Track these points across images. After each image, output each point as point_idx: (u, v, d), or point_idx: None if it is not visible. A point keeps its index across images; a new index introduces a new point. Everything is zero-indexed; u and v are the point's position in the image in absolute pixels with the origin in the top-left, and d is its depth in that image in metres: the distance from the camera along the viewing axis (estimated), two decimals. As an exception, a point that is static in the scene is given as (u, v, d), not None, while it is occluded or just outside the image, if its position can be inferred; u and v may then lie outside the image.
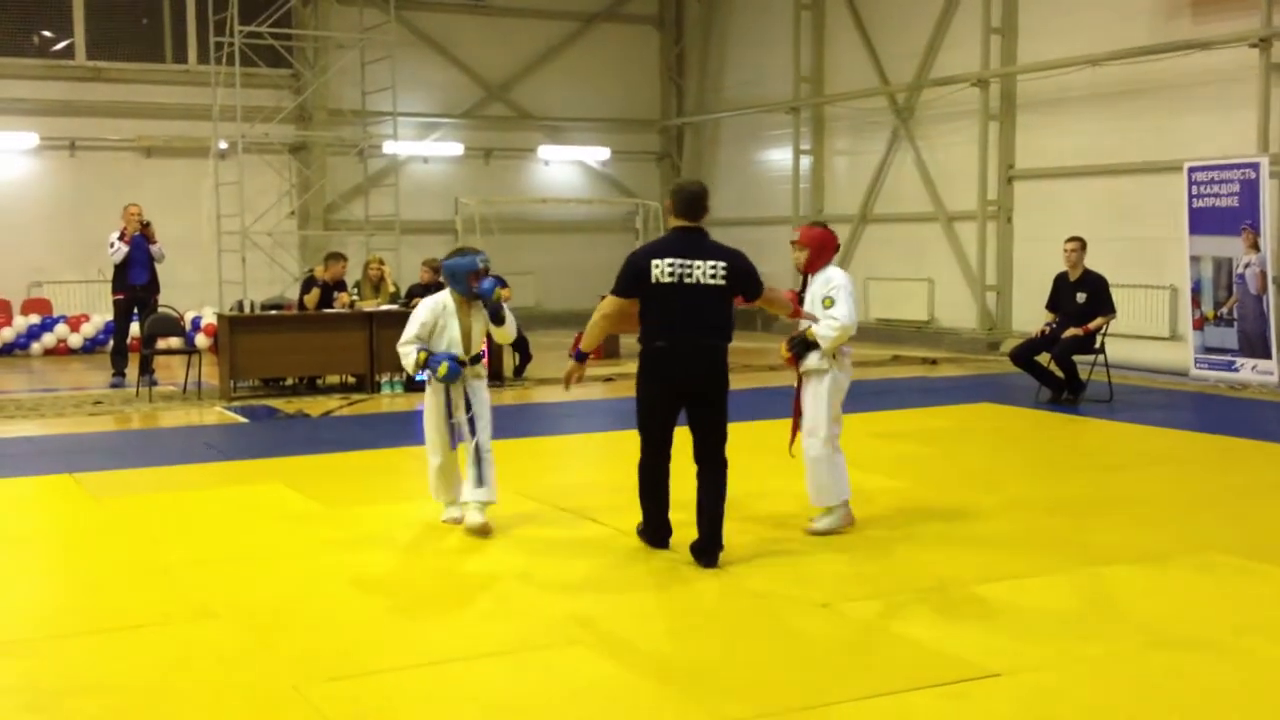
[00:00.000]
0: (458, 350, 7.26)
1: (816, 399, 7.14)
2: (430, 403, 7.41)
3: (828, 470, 7.11)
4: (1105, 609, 5.84)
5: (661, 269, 6.55)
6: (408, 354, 7.25)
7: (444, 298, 7.32)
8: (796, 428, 7.27)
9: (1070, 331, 12.33)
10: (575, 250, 22.22)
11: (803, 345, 7.12)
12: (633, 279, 6.63)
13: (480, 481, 7.18)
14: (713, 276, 6.55)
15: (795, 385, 7.32)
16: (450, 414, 7.31)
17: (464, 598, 6.08)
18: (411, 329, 7.29)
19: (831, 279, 7.18)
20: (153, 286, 14.44)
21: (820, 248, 7.29)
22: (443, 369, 7.15)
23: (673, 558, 6.76)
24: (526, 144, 23.12)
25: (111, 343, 15.12)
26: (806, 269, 7.34)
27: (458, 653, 5.35)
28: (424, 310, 7.30)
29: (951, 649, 5.24)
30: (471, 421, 7.26)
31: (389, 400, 13.45)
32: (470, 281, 7.19)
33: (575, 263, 21.69)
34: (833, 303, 7.04)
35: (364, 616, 5.81)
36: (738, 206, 21.70)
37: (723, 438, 6.74)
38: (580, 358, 6.94)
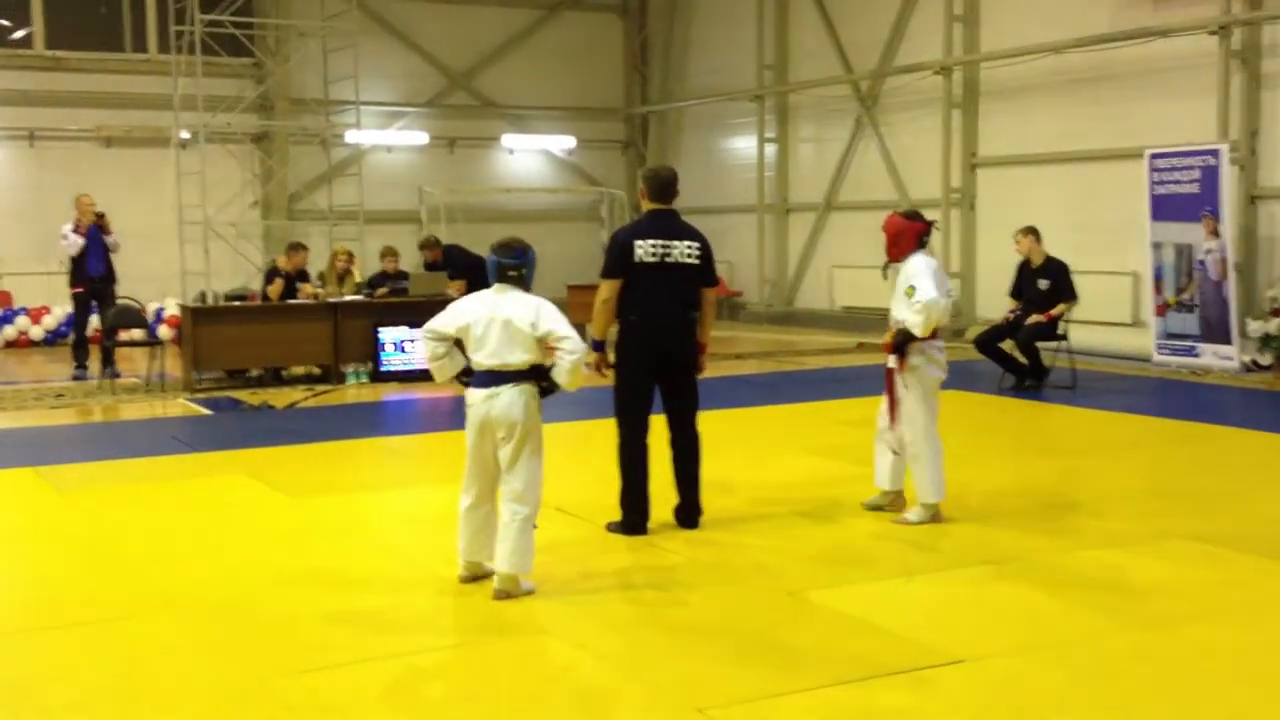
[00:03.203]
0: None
1: (911, 396, 7.11)
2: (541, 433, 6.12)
3: (928, 466, 7.08)
4: (1069, 594, 5.89)
5: (645, 249, 6.89)
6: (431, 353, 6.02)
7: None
8: (894, 419, 7.20)
9: (1033, 318, 12.42)
10: (541, 239, 21.62)
11: (903, 338, 7.06)
12: (620, 260, 6.91)
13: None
14: (689, 256, 6.95)
15: (886, 379, 7.25)
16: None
17: (432, 588, 6.06)
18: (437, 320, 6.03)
19: (910, 268, 7.12)
20: (110, 277, 14.32)
21: (896, 235, 7.23)
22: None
23: (641, 548, 6.78)
24: (491, 133, 23.04)
25: (72, 335, 15.00)
26: (888, 257, 7.30)
27: (426, 644, 5.35)
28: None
29: (916, 636, 5.28)
30: None
31: (354, 391, 13.40)
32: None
33: (541, 252, 21.09)
34: (914, 291, 7.00)
35: (330, 608, 5.79)
36: (703, 195, 21.69)
37: (695, 407, 7.12)
38: (598, 347, 7.04)
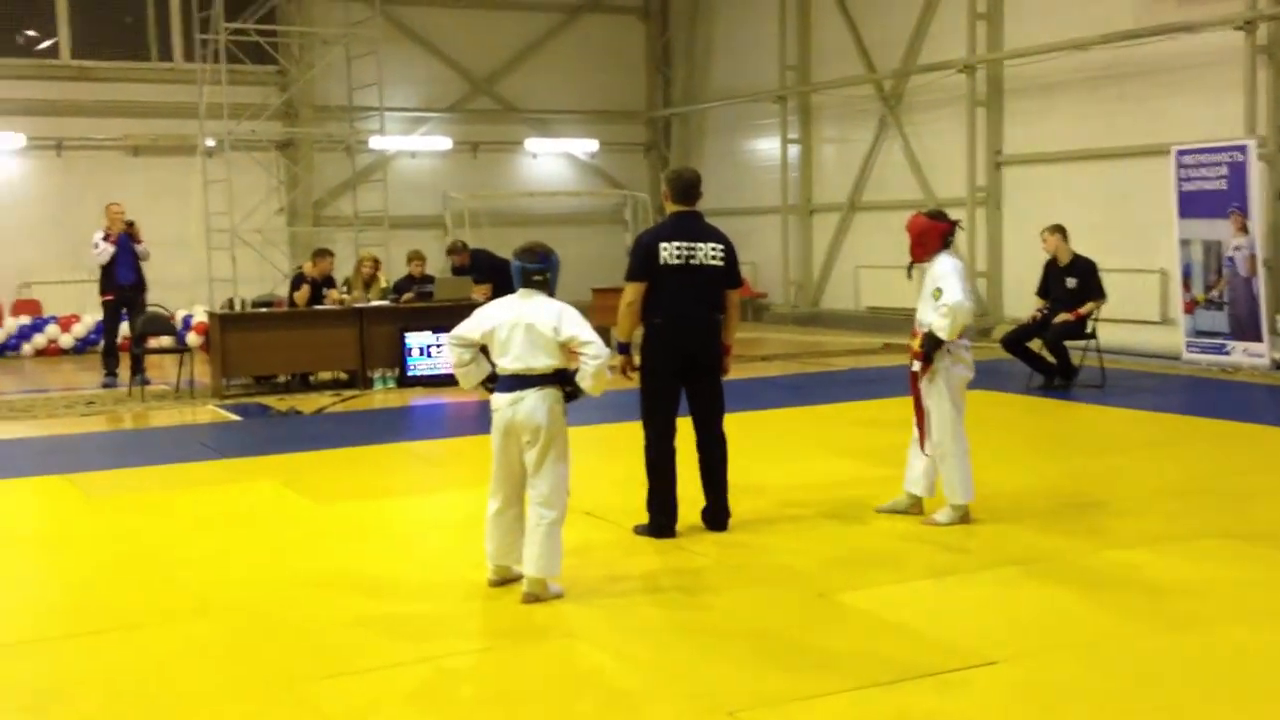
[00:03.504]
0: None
1: (938, 397, 7.09)
2: (567, 438, 6.08)
3: (957, 466, 7.05)
4: (1100, 595, 5.85)
5: (670, 251, 6.89)
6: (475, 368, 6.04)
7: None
8: (921, 425, 7.19)
9: (1061, 317, 12.36)
10: (564, 243, 21.68)
11: (931, 343, 7.03)
12: (645, 262, 6.92)
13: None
14: (714, 257, 6.96)
15: (911, 383, 7.23)
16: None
17: (461, 592, 6.07)
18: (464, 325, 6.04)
19: (937, 269, 7.09)
20: (140, 285, 14.42)
21: (920, 235, 7.19)
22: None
23: (669, 550, 6.77)
24: (513, 137, 23.08)
25: (102, 343, 15.08)
26: (913, 258, 7.28)
27: (454, 647, 5.36)
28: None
29: (946, 637, 5.25)
30: None
31: (381, 396, 13.44)
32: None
33: (565, 255, 21.14)
34: (941, 293, 6.98)
35: (358, 613, 5.80)
36: (726, 196, 21.67)
37: (721, 409, 7.12)
38: (623, 349, 7.10)
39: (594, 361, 5.79)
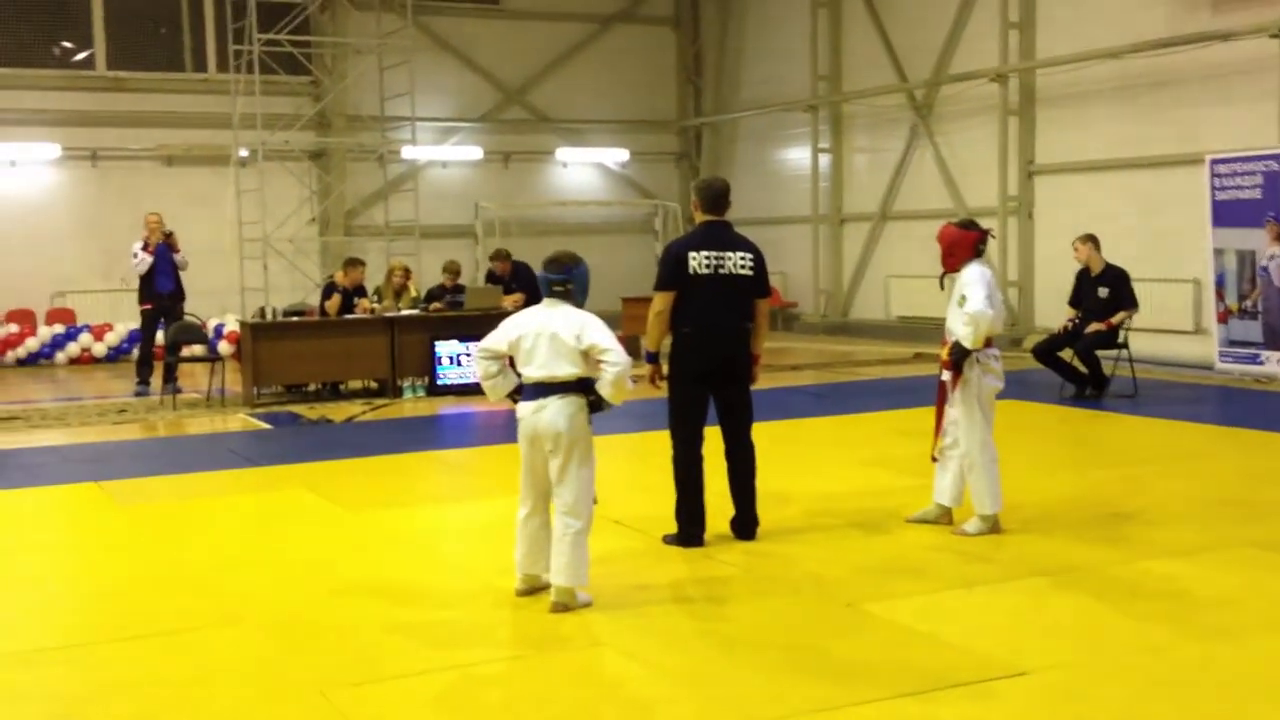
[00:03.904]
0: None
1: (966, 406, 7.07)
2: (592, 445, 6.04)
3: (985, 477, 7.03)
4: (1131, 605, 5.80)
5: (699, 261, 6.89)
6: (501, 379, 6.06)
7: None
8: (939, 432, 7.17)
9: (1093, 326, 12.29)
10: (595, 252, 21.81)
11: (959, 352, 7.03)
12: (674, 271, 6.92)
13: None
14: (743, 267, 6.95)
15: (938, 392, 7.22)
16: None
17: (489, 601, 6.08)
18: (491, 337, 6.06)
19: (963, 277, 7.08)
20: (179, 295, 14.52)
21: (950, 245, 7.18)
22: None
23: (697, 560, 6.76)
24: (545, 147, 23.15)
25: (137, 351, 15.17)
26: (944, 268, 7.27)
27: (482, 655, 5.36)
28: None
29: (976, 647, 5.22)
30: None
31: (411, 405, 13.48)
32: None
33: (596, 265, 21.20)
34: (965, 301, 6.97)
35: (389, 620, 5.82)
36: (757, 206, 21.67)
37: (750, 418, 7.09)
38: (652, 359, 7.11)
39: (613, 369, 5.78)
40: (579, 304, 6.00)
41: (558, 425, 5.80)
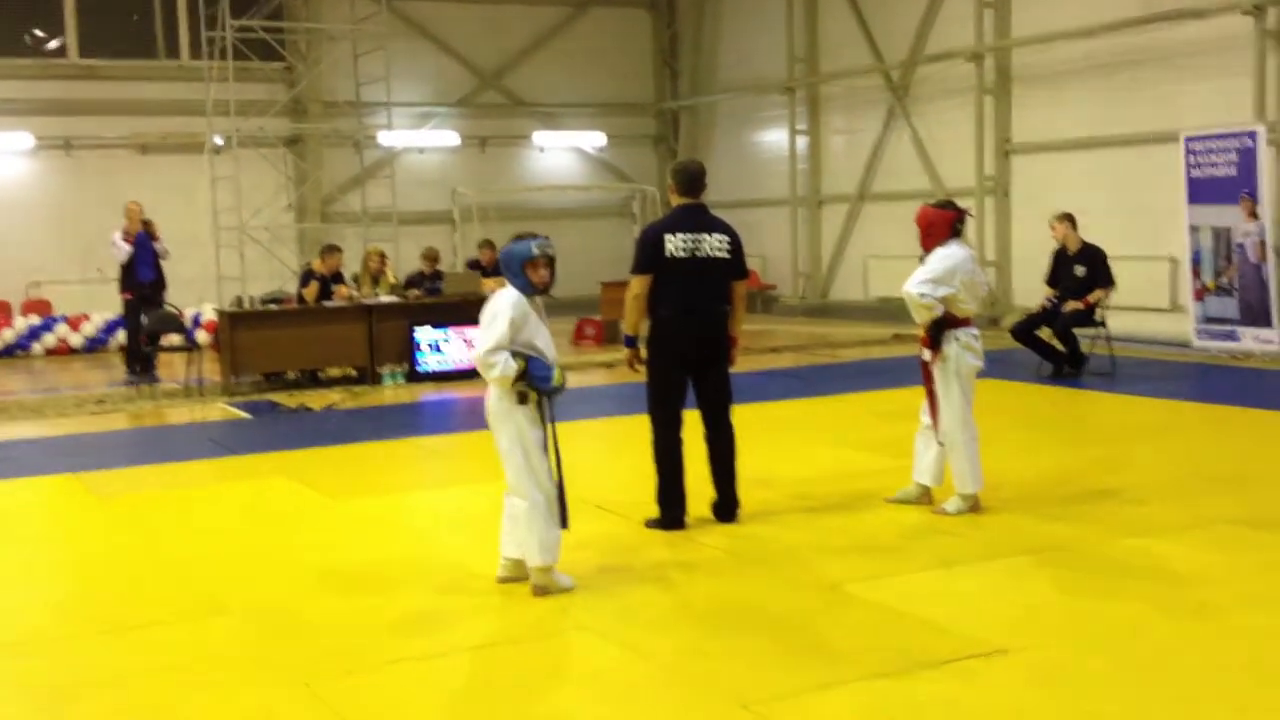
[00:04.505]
0: (551, 356, 5.94)
1: (945, 384, 7.10)
2: (525, 426, 5.84)
3: (964, 456, 7.06)
4: (1111, 583, 5.84)
5: (675, 244, 6.90)
6: (498, 364, 5.73)
7: (516, 293, 5.89)
8: (934, 412, 7.19)
9: (1070, 305, 12.33)
10: (574, 236, 22.09)
11: (935, 328, 7.06)
12: (651, 255, 6.93)
13: (563, 522, 5.98)
14: (719, 249, 6.97)
15: (923, 372, 7.23)
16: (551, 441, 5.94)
17: (473, 587, 6.08)
18: (497, 332, 5.77)
19: (928, 258, 7.13)
20: (160, 283, 14.48)
21: (928, 226, 7.20)
22: (559, 375, 5.87)
23: (680, 543, 6.78)
24: (521, 131, 23.10)
25: (124, 341, 15.05)
26: (923, 248, 7.28)
27: (469, 642, 5.37)
28: (508, 307, 5.80)
29: (958, 627, 5.25)
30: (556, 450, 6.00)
31: (391, 391, 13.46)
32: (527, 273, 5.87)
33: (574, 249, 21.45)
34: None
35: (372, 609, 5.82)
36: (735, 188, 21.67)
37: (729, 401, 7.12)
38: (630, 342, 7.15)
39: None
40: (514, 284, 5.91)
41: (487, 407, 5.94)
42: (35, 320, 18.56)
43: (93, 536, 7.62)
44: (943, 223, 7.18)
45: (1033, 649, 5.00)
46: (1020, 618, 5.39)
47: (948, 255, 7.06)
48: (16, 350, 18.25)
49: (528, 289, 5.89)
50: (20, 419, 12.27)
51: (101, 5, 20.02)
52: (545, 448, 5.90)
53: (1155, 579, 5.90)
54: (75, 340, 18.49)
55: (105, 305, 18.31)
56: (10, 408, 12.91)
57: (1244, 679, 4.68)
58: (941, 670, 4.78)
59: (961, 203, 7.57)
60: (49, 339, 18.38)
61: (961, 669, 4.79)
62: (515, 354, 5.78)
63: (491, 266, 14.98)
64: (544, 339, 5.93)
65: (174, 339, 15.11)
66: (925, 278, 6.98)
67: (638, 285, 6.96)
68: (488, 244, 15.53)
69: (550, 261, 5.92)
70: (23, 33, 19.95)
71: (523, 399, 5.84)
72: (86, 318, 18.68)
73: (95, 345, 18.52)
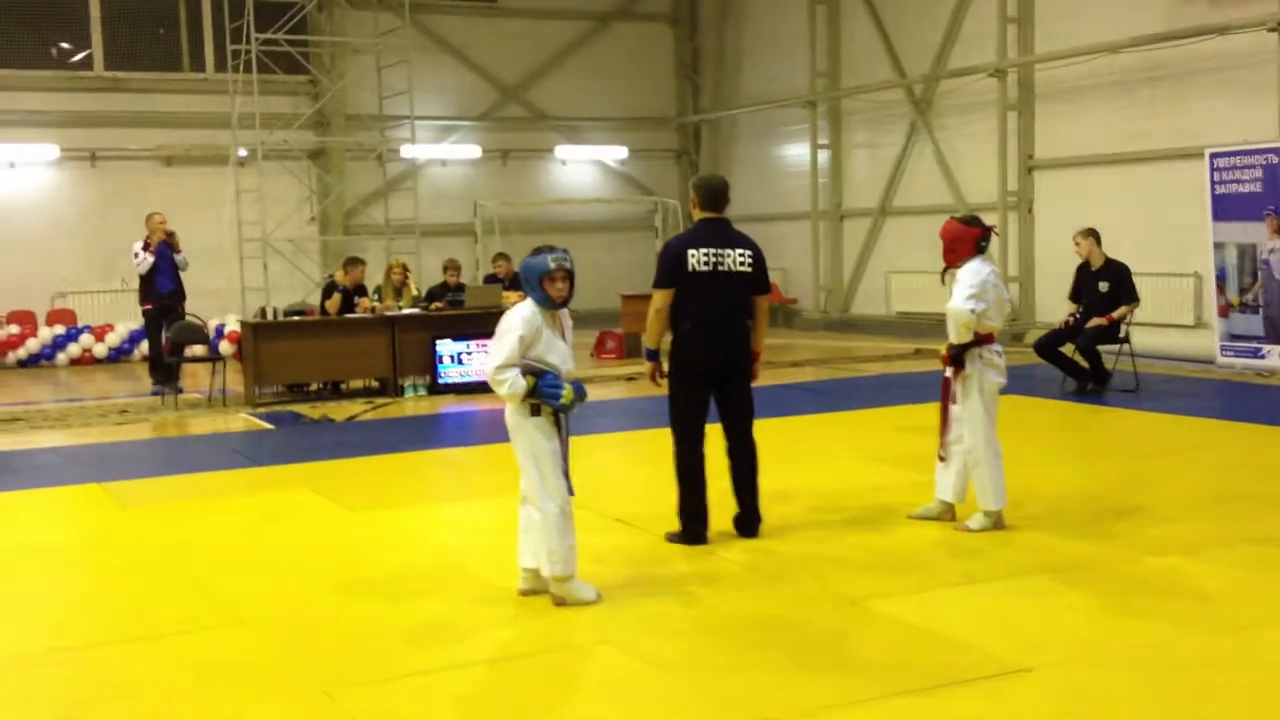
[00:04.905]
0: (565, 369, 5.95)
1: (969, 401, 7.07)
2: (539, 437, 5.86)
3: (988, 473, 7.03)
4: (1135, 601, 5.80)
5: (698, 258, 6.89)
6: (508, 381, 5.77)
7: (530, 308, 5.90)
8: (944, 429, 7.18)
9: (1094, 321, 12.28)
10: (595, 250, 22.21)
11: (958, 347, 7.04)
12: (673, 269, 6.92)
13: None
14: (742, 264, 6.96)
15: (942, 388, 7.23)
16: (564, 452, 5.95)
17: (492, 600, 6.07)
18: (506, 348, 5.81)
19: (959, 273, 7.10)
20: (180, 294, 14.53)
21: (952, 241, 7.19)
22: (568, 394, 5.81)
23: (701, 557, 6.76)
24: (544, 144, 23.16)
25: (147, 352, 15.09)
26: (945, 263, 7.27)
27: (486, 655, 5.36)
28: (519, 324, 5.82)
29: (981, 644, 5.22)
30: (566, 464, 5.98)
31: (413, 403, 13.48)
32: (545, 287, 5.85)
33: (596, 262, 21.61)
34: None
35: (392, 620, 5.82)
36: (756, 202, 21.68)
37: (751, 415, 7.10)
38: (652, 356, 7.14)
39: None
40: (532, 298, 5.93)
41: (507, 420, 5.98)
42: (60, 330, 18.68)
43: (114, 546, 7.64)
44: (967, 239, 7.16)
45: (1057, 667, 4.97)
46: (1044, 636, 5.36)
47: (978, 270, 7.04)
48: (41, 360, 18.38)
49: (546, 303, 5.88)
50: (44, 428, 12.33)
51: (128, 18, 20.16)
52: (560, 459, 5.90)
53: (1180, 597, 5.85)
54: (99, 350, 18.61)
55: (129, 316, 18.41)
56: (35, 417, 12.99)
57: (1270, 698, 4.64)
58: (965, 689, 4.75)
59: (984, 218, 7.54)
60: (73, 349, 18.50)
61: (986, 687, 4.76)
62: (527, 370, 5.79)
63: (507, 279, 15.02)
64: (559, 353, 5.92)
65: (197, 350, 15.17)
66: (970, 294, 6.94)
67: (660, 299, 6.96)
68: (502, 257, 15.57)
69: (568, 275, 5.89)
70: (49, 45, 20.10)
71: (535, 411, 5.86)
72: (111, 328, 18.79)
73: (119, 355, 18.64)
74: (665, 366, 7.07)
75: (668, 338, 7.06)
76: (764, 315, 7.14)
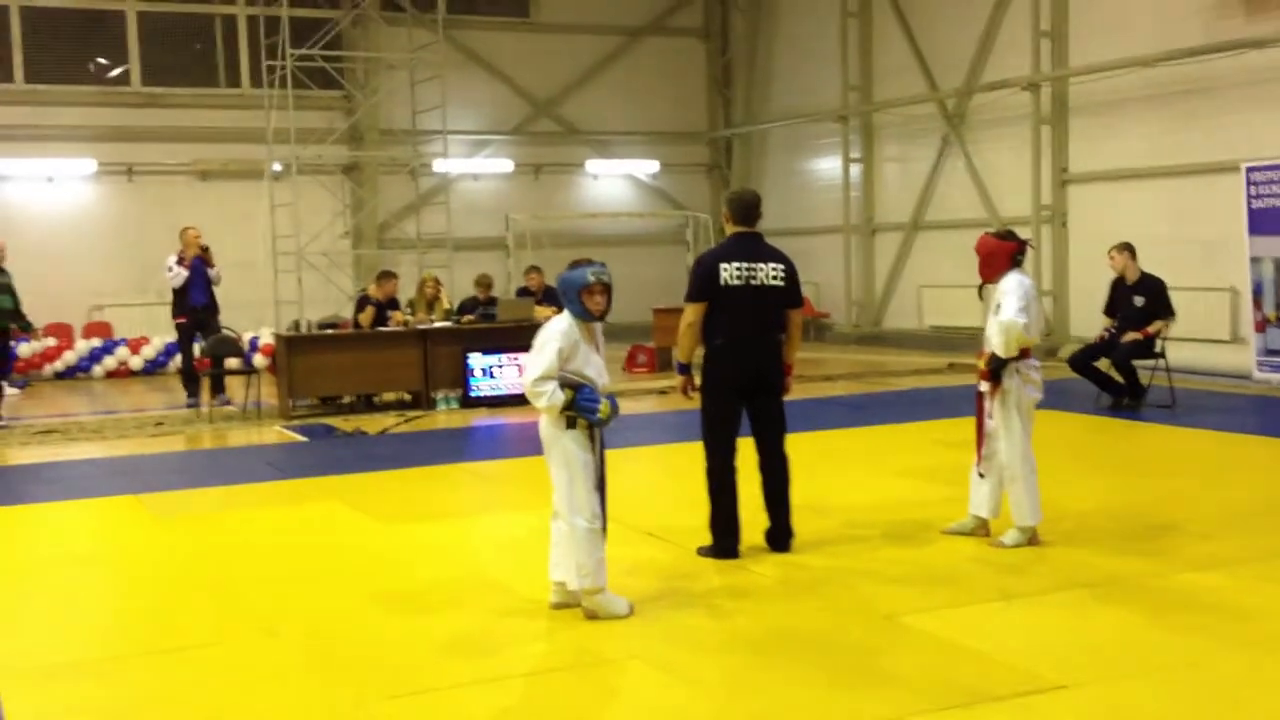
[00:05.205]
0: (601, 382, 5.98)
1: (1005, 417, 7.03)
2: (574, 451, 5.87)
3: (1024, 488, 6.99)
4: (1172, 618, 5.74)
5: (730, 272, 6.88)
6: (546, 393, 5.78)
7: (568, 320, 5.94)
8: (980, 444, 7.15)
9: (1129, 335, 12.19)
10: (626, 264, 22.06)
11: (997, 362, 7.00)
12: (706, 283, 6.92)
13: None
14: (774, 278, 6.94)
15: (976, 403, 7.20)
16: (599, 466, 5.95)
17: (523, 613, 6.07)
18: (545, 360, 5.81)
19: (1001, 287, 7.06)
20: (213, 308, 14.63)
21: (988, 255, 7.16)
22: (605, 408, 5.84)
23: (733, 571, 6.74)
24: (575, 159, 23.21)
25: (180, 365, 15.21)
26: (981, 278, 7.25)
27: (517, 669, 5.35)
28: (557, 335, 5.86)
29: (1016, 661, 5.18)
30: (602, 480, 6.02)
31: (445, 417, 13.51)
32: (583, 300, 5.89)
33: (627, 276, 21.34)
34: (999, 310, 6.95)
35: (424, 633, 5.83)
36: (788, 216, 21.65)
37: (783, 429, 7.08)
38: (684, 370, 7.12)
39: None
40: (570, 311, 5.96)
41: (540, 431, 5.98)
42: (96, 343, 18.83)
43: (149, 557, 7.69)
44: (1004, 253, 7.12)
45: (1093, 684, 4.92)
46: (1080, 652, 5.31)
47: (1019, 285, 7.00)
48: (77, 372, 18.53)
49: (584, 316, 5.92)
50: (80, 440, 12.43)
51: (164, 34, 20.35)
52: (594, 473, 5.90)
53: (1217, 614, 5.79)
54: (135, 363, 18.74)
55: (165, 329, 18.50)
56: (71, 429, 13.09)
57: (1311, 718, 4.58)
58: (1001, 705, 4.71)
59: (1018, 233, 7.50)
60: (109, 361, 18.64)
61: (1021, 704, 4.72)
62: (565, 383, 5.81)
63: (540, 292, 15.08)
64: (595, 367, 5.95)
65: (232, 362, 15.26)
66: (1019, 306, 6.90)
67: (692, 314, 6.96)
68: (535, 270, 15.66)
69: (606, 289, 5.93)
70: (87, 61, 20.31)
71: (571, 423, 5.86)
72: (146, 340, 18.92)
73: (154, 368, 18.77)
74: (697, 380, 7.06)
75: (700, 352, 7.05)
76: (797, 329, 7.13)
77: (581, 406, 5.81)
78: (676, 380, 7.24)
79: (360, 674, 5.32)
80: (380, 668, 5.40)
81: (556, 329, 5.90)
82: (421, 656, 5.51)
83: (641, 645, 5.55)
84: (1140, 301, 12.33)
